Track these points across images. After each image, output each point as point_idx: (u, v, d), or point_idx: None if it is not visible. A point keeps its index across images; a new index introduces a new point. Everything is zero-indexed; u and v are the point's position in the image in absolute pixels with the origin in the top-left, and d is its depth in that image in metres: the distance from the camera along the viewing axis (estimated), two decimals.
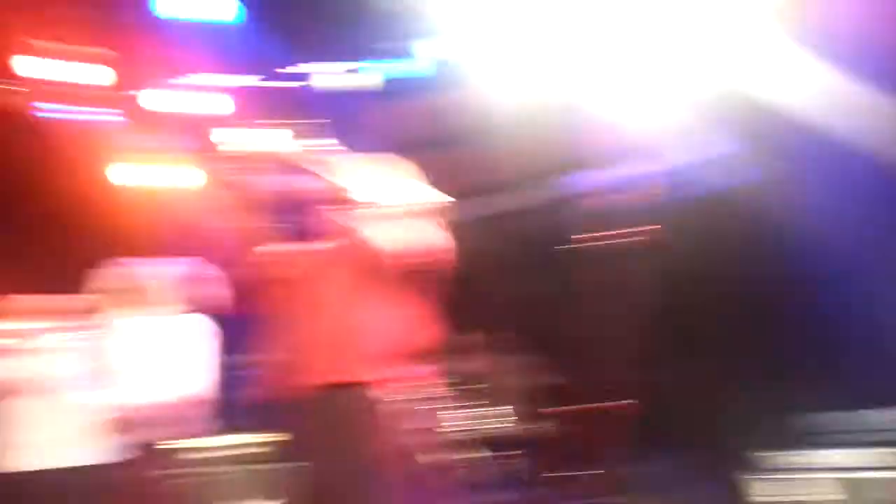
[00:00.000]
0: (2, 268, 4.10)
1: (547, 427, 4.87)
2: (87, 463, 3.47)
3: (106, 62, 5.43)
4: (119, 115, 2.06)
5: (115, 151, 5.72)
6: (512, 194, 5.60)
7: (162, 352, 3.31)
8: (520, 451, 4.84)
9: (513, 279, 4.91)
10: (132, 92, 5.67)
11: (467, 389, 5.11)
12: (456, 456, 4.64)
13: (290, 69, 5.42)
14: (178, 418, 3.34)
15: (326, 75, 5.39)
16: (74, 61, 5.35)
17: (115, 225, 5.48)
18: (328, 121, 5.03)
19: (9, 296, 3.99)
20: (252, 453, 5.20)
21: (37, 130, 5.74)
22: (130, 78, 5.56)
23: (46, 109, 5.60)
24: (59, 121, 5.64)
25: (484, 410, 4.75)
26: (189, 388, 3.35)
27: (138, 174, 5.87)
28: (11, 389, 3.78)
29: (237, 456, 5.18)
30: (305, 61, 5.45)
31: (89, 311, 3.85)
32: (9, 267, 4.06)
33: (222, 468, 5.11)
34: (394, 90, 5.47)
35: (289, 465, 2.30)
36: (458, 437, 4.79)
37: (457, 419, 4.84)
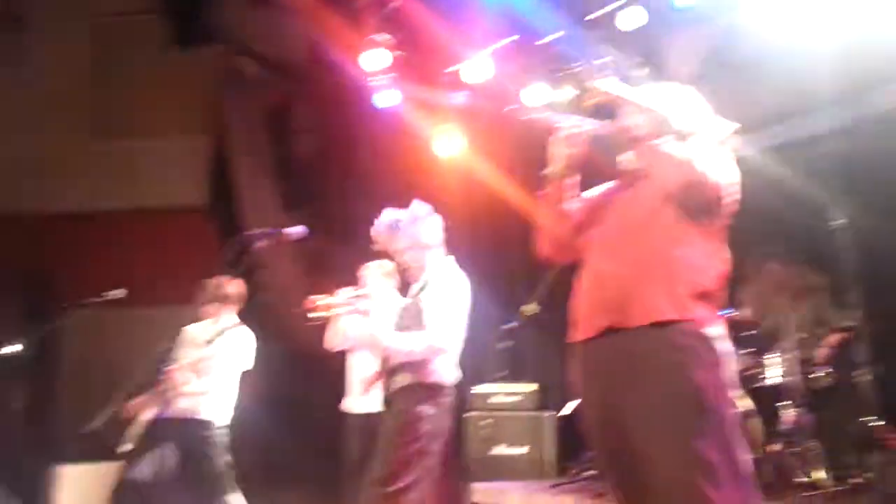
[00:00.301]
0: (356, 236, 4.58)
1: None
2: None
3: (422, 44, 5.78)
4: (443, 92, 2.23)
5: (440, 125, 6.18)
6: (809, 119, 5.04)
7: (451, 303, 3.36)
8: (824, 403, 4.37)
9: (813, 209, 4.36)
10: (451, 68, 6.00)
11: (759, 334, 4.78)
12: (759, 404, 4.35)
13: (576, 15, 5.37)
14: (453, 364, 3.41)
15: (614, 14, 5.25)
16: (397, 51, 5.75)
17: (438, 191, 5.99)
18: (626, 58, 4.93)
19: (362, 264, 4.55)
20: (521, 400, 5.46)
21: (376, 115, 6.45)
22: (444, 55, 5.88)
23: (383, 96, 6.19)
24: (394, 104, 6.21)
25: (787, 356, 4.35)
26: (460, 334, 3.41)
27: (458, 143, 6.28)
28: (352, 344, 4.35)
29: (511, 403, 5.48)
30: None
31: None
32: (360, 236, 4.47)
33: (498, 413, 5.44)
34: (679, 19, 5.18)
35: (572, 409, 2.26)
36: (765, 383, 4.48)
37: (762, 365, 4.52)
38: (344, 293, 3.63)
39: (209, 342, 4.32)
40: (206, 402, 4.32)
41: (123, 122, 8.10)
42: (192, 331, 4.48)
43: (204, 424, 4.28)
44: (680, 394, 2.10)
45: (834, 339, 4.54)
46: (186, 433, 4.24)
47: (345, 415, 4.48)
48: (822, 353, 4.49)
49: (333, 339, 4.25)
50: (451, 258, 3.51)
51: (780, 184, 4.61)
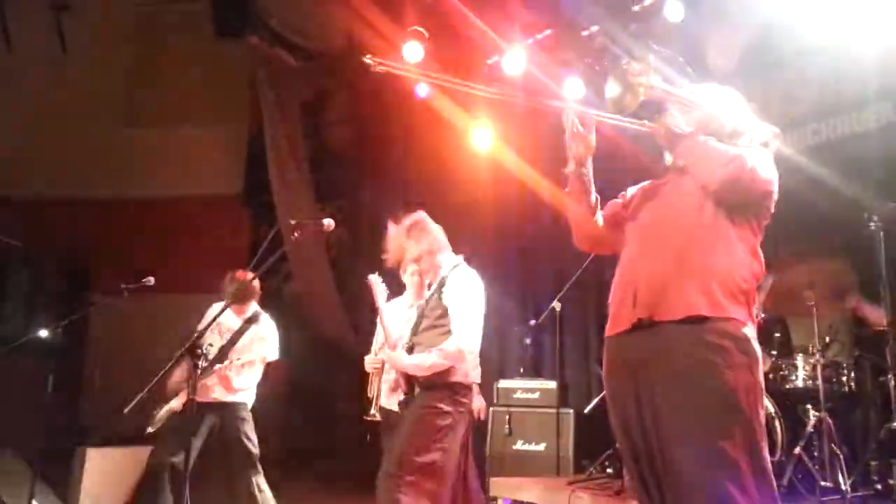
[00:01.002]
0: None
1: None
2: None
3: (460, 35, 5.76)
4: (479, 84, 2.23)
5: (474, 118, 6.15)
6: (851, 116, 4.94)
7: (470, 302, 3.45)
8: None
9: (850, 209, 4.28)
10: (491, 60, 6.01)
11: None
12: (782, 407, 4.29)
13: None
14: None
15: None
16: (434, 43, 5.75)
17: (468, 185, 5.99)
18: (667, 54, 4.87)
19: None
20: (541, 397, 5.46)
21: (411, 108, 6.47)
22: (482, 47, 5.88)
23: (420, 87, 6.24)
24: (429, 97, 6.23)
25: (812, 359, 4.26)
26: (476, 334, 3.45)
27: (491, 136, 6.25)
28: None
29: (531, 399, 5.47)
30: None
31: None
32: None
33: (518, 409, 5.43)
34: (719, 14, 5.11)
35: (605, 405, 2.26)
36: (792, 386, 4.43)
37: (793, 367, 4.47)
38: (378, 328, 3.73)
39: (240, 333, 4.41)
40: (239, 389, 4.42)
41: (161, 110, 8.22)
42: (221, 319, 4.54)
43: (236, 406, 4.39)
44: (711, 394, 2.08)
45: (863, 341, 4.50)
46: (219, 415, 4.34)
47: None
48: (849, 356, 4.45)
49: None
50: (461, 257, 3.58)
51: (819, 182, 4.54)
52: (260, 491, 4.29)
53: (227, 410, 4.37)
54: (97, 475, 5.45)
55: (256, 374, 4.47)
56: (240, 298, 4.48)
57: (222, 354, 4.41)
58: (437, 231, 3.60)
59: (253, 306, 4.62)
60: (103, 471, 5.49)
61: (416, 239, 3.56)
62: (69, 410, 7.10)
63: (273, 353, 4.55)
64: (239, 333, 4.47)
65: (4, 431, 5.45)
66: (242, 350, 4.45)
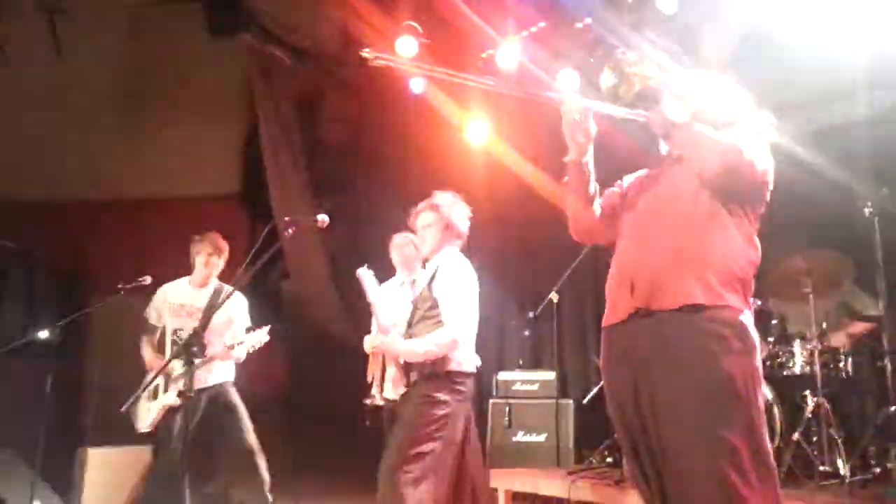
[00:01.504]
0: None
1: None
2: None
3: (454, 29, 5.72)
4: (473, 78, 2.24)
5: (469, 112, 6.15)
6: (843, 105, 4.96)
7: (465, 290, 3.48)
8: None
9: (844, 196, 4.30)
10: (485, 53, 6.00)
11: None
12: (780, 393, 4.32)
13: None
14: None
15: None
16: (428, 38, 5.73)
17: (465, 179, 5.97)
18: (662, 43, 4.89)
19: None
20: (540, 388, 5.49)
21: (406, 104, 6.47)
22: (476, 40, 5.85)
23: (416, 82, 6.24)
24: (424, 92, 6.24)
25: (810, 345, 4.29)
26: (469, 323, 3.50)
27: (487, 130, 6.27)
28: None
29: (530, 391, 5.51)
30: None
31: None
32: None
33: (517, 401, 5.46)
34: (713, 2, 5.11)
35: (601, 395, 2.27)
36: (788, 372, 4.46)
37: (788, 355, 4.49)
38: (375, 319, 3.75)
39: (209, 311, 4.38)
40: (223, 367, 4.50)
41: (155, 110, 8.20)
42: (184, 300, 4.53)
43: (225, 386, 4.48)
44: (709, 381, 2.09)
45: (858, 328, 4.52)
46: (212, 398, 4.40)
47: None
48: (845, 342, 4.48)
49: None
50: (456, 248, 3.60)
51: (814, 170, 4.56)
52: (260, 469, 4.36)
53: (218, 391, 4.44)
54: (98, 475, 5.45)
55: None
56: (220, 251, 4.49)
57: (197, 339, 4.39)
58: (458, 216, 3.61)
59: (213, 280, 4.59)
60: (104, 471, 5.50)
61: (436, 212, 3.60)
62: (69, 411, 7.10)
63: (246, 318, 4.58)
64: (209, 311, 4.37)
65: (5, 432, 5.45)
66: (214, 332, 4.40)
